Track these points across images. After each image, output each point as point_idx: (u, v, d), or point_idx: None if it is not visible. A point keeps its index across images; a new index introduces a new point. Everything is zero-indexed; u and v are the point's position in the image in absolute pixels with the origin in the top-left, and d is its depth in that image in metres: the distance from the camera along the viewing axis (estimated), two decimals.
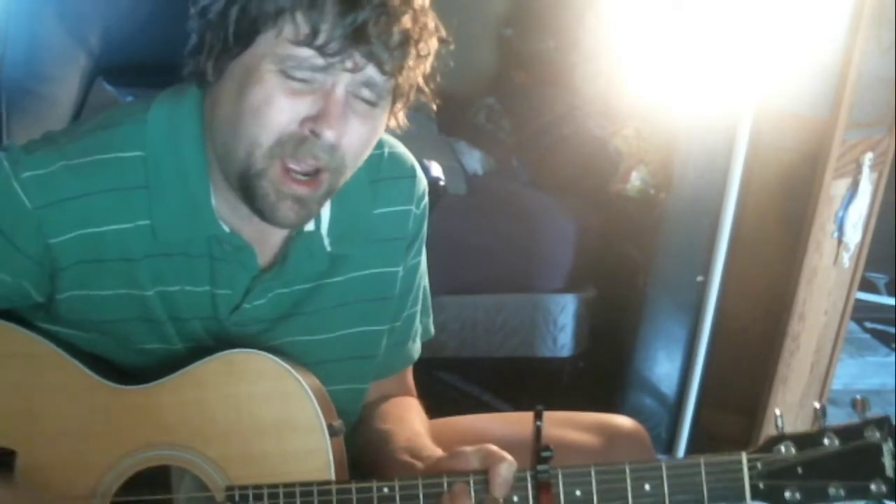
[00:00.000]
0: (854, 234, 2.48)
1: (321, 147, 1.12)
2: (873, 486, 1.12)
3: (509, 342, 3.08)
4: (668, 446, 2.71)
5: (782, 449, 1.14)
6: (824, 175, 2.33)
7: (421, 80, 1.18)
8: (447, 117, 3.26)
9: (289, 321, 1.29)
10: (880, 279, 4.12)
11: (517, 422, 1.50)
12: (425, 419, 1.41)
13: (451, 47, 1.20)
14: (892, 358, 3.76)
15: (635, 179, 3.09)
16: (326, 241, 1.28)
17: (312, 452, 1.19)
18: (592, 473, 1.14)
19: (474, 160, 3.34)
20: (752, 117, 2.39)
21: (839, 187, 2.41)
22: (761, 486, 1.13)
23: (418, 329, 1.46)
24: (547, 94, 3.52)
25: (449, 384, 3.07)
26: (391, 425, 1.35)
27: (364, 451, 1.35)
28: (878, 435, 1.12)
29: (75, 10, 2.38)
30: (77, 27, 2.38)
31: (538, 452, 1.14)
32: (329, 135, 1.11)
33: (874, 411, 1.15)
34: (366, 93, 1.13)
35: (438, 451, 1.24)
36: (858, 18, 2.25)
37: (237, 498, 1.17)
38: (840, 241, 2.48)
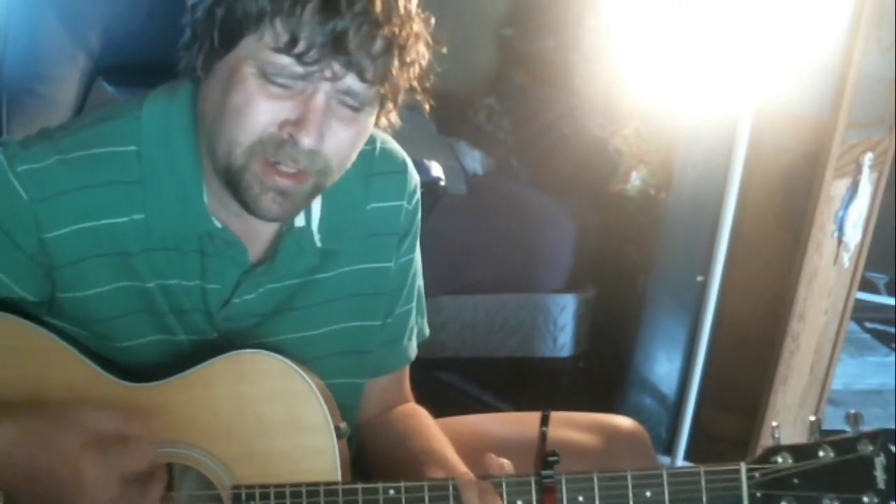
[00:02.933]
0: (854, 234, 2.48)
1: (300, 151, 1.12)
2: (866, 499, 1.15)
3: (509, 342, 3.08)
4: (668, 446, 2.71)
5: (779, 459, 1.17)
6: (824, 175, 2.33)
7: (415, 83, 1.17)
8: (447, 117, 3.27)
9: (280, 316, 1.29)
10: (880, 279, 4.11)
11: (518, 422, 1.50)
12: (440, 431, 1.40)
13: (444, 51, 1.18)
14: (892, 358, 3.76)
15: (635, 179, 3.09)
16: (317, 237, 1.28)
17: (319, 453, 1.20)
18: (595, 480, 1.16)
19: (474, 160, 3.34)
20: (752, 117, 2.40)
21: (839, 187, 2.40)
22: (759, 495, 1.16)
23: (414, 328, 1.45)
24: (547, 94, 3.52)
25: (449, 384, 3.07)
26: (427, 455, 1.31)
27: (395, 470, 1.32)
28: (871, 448, 1.15)
29: (75, 11, 2.38)
30: (77, 27, 2.38)
31: (544, 457, 1.15)
32: (306, 142, 1.11)
33: (874, 411, 1.17)
34: (348, 100, 1.12)
35: None
36: (858, 18, 2.25)
37: (243, 497, 1.18)
38: (840, 241, 2.48)
